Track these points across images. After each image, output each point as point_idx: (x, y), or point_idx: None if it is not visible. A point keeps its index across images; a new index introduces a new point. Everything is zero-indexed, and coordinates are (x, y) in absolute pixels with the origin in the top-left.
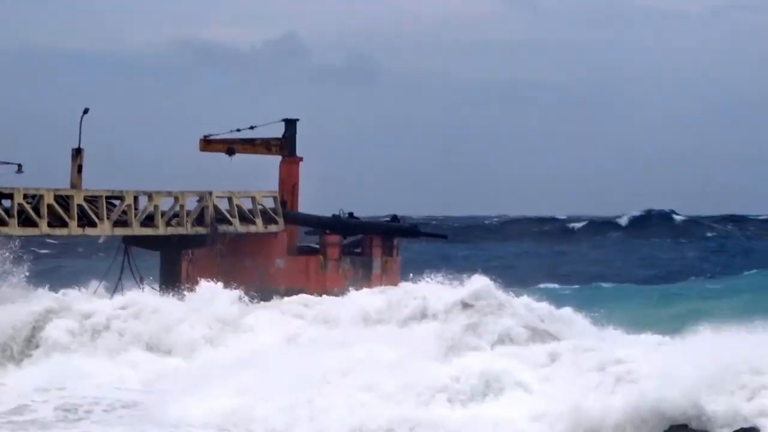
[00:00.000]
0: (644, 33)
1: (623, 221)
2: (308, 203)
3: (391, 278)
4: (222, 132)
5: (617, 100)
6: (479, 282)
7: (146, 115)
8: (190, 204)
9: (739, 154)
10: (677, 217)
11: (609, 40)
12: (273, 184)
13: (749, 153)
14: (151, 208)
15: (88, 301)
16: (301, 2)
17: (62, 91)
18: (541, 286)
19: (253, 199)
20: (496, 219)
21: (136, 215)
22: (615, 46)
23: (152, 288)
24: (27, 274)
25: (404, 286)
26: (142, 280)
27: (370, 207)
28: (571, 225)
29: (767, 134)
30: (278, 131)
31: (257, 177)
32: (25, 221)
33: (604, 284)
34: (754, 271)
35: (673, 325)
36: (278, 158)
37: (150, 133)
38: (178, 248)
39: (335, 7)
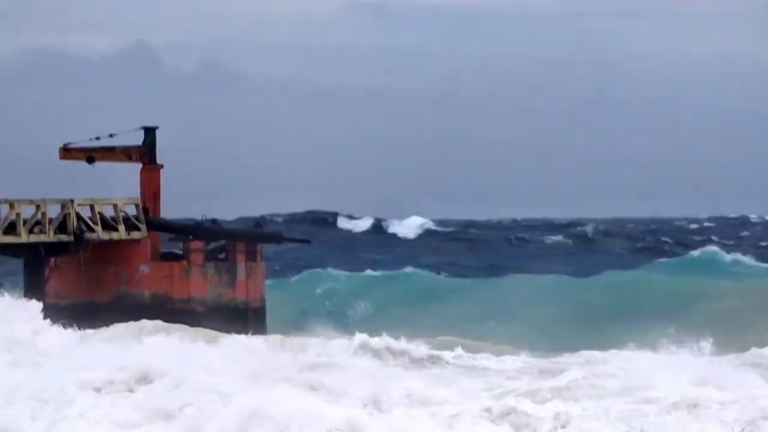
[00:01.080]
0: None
1: None
2: (171, 210)
3: (255, 283)
4: (81, 140)
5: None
6: None
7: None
8: (53, 212)
9: None
10: None
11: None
12: (135, 192)
13: None
14: (13, 216)
15: None
16: (149, 9)
17: None
18: None
19: (115, 206)
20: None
21: None
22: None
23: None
24: None
25: None
26: (1, 285)
27: (233, 211)
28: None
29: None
30: (138, 139)
31: (119, 185)
32: None
33: None
34: None
35: None
36: (139, 166)
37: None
38: (41, 256)
39: (183, 13)
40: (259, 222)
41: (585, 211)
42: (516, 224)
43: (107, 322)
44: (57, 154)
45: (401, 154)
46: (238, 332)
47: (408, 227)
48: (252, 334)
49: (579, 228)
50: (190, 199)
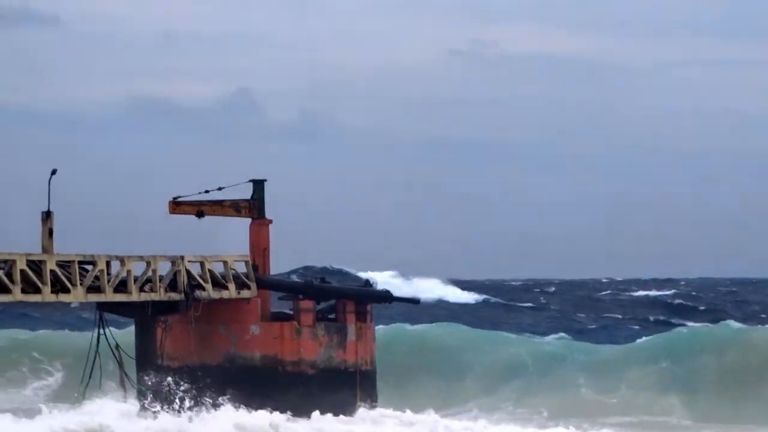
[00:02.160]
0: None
1: None
2: (280, 263)
3: (365, 345)
4: (190, 194)
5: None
6: None
7: (109, 174)
8: (163, 269)
9: None
10: None
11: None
12: (242, 246)
13: None
14: (124, 273)
15: None
16: (251, 57)
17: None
18: None
19: (225, 263)
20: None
21: (109, 281)
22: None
23: (129, 357)
24: None
25: None
26: (118, 348)
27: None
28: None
29: None
30: (245, 192)
31: (225, 237)
32: None
33: None
34: None
35: None
36: (247, 220)
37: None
38: (152, 314)
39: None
40: (368, 281)
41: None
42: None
43: (219, 387)
44: (166, 207)
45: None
46: (348, 397)
47: None
48: (361, 399)
49: None
50: (295, 252)
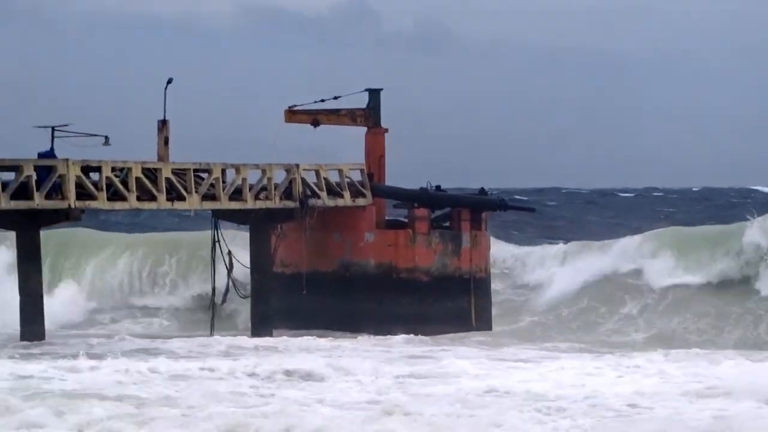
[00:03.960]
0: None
1: None
2: (394, 175)
3: (480, 253)
4: (306, 102)
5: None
6: None
7: (224, 83)
8: (278, 177)
9: None
10: None
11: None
12: (356, 156)
13: None
14: (239, 182)
15: None
16: None
17: (138, 59)
18: None
19: (340, 171)
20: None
21: (224, 189)
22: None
23: (242, 264)
24: None
25: None
26: (230, 254)
27: (457, 179)
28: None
29: None
30: (362, 101)
31: (339, 148)
32: (114, 195)
33: None
34: None
35: None
36: (362, 129)
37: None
38: (266, 222)
39: None
40: (483, 189)
41: None
42: None
43: (334, 293)
44: (282, 116)
45: None
46: (462, 304)
47: None
48: (475, 304)
49: None
50: (412, 163)
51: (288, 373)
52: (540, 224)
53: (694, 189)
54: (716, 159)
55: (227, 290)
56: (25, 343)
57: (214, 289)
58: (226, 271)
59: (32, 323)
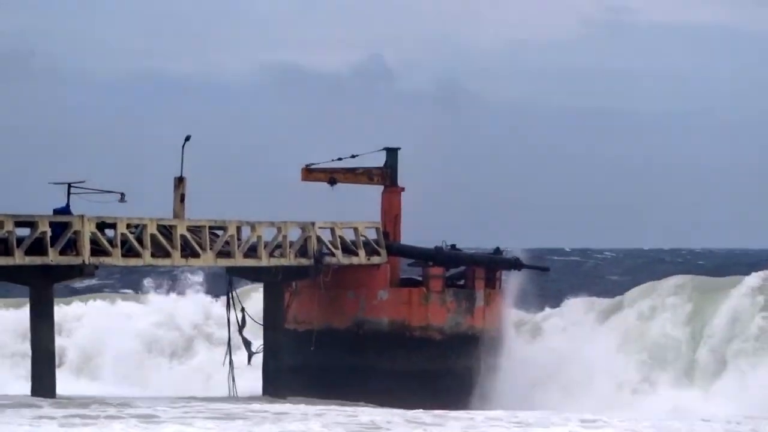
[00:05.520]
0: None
1: None
2: (409, 234)
3: (494, 311)
4: (323, 161)
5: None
6: None
7: (242, 141)
8: (293, 234)
9: None
10: None
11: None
12: (372, 214)
13: None
14: (254, 239)
15: None
16: (384, 24)
17: (157, 116)
18: None
19: (356, 230)
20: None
21: (239, 246)
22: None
23: (255, 321)
24: None
25: None
26: (243, 311)
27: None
28: None
29: None
30: (378, 160)
31: (355, 207)
32: (128, 251)
33: None
34: None
35: None
36: (379, 188)
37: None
38: (281, 280)
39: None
40: (498, 249)
41: None
42: None
43: (346, 350)
44: (298, 175)
45: None
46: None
47: None
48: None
49: None
50: (428, 222)
51: None
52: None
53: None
54: None
55: (247, 346)
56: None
57: (230, 346)
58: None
59: (43, 378)
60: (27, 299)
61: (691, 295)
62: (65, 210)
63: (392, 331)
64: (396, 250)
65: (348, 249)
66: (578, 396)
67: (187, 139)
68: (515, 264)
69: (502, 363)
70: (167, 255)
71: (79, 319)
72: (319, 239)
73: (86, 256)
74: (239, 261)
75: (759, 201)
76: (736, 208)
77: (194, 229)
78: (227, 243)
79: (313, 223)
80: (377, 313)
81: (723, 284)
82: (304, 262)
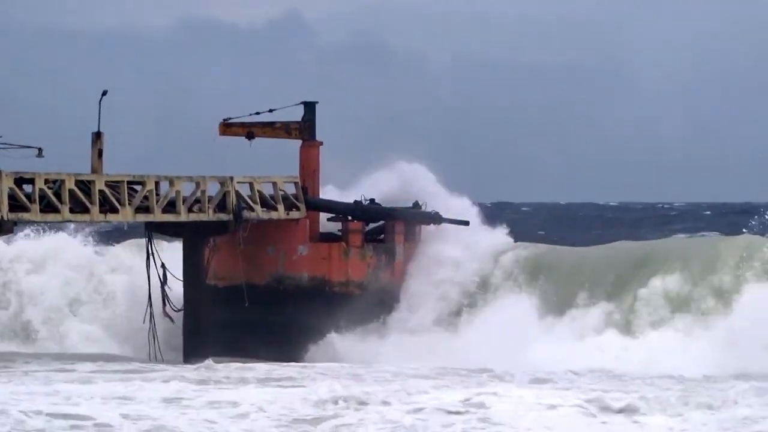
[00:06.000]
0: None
1: None
2: (330, 190)
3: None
4: (241, 115)
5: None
6: None
7: (160, 95)
8: (212, 189)
9: None
10: None
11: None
12: (292, 169)
13: None
14: (173, 194)
15: None
16: None
17: (77, 72)
18: None
19: (275, 184)
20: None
21: (157, 201)
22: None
23: (175, 277)
24: None
25: None
26: (164, 266)
27: None
28: None
29: None
30: (297, 114)
31: (274, 160)
32: (47, 207)
33: None
34: None
35: None
36: (298, 142)
37: (165, 113)
38: (200, 235)
39: None
40: (417, 203)
41: None
42: None
43: (266, 306)
44: (216, 129)
45: None
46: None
47: None
48: None
49: None
50: (348, 176)
51: None
52: None
53: None
54: None
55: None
56: None
57: (150, 302)
58: (159, 284)
59: None
60: None
61: None
62: None
63: (312, 286)
64: (315, 204)
65: (267, 204)
66: None
67: (104, 93)
68: (434, 218)
69: None
70: (86, 210)
71: None
72: (237, 194)
73: (5, 212)
74: (158, 216)
75: None
76: None
77: (113, 185)
78: (146, 198)
79: (231, 178)
80: (297, 268)
81: None
82: (223, 217)
